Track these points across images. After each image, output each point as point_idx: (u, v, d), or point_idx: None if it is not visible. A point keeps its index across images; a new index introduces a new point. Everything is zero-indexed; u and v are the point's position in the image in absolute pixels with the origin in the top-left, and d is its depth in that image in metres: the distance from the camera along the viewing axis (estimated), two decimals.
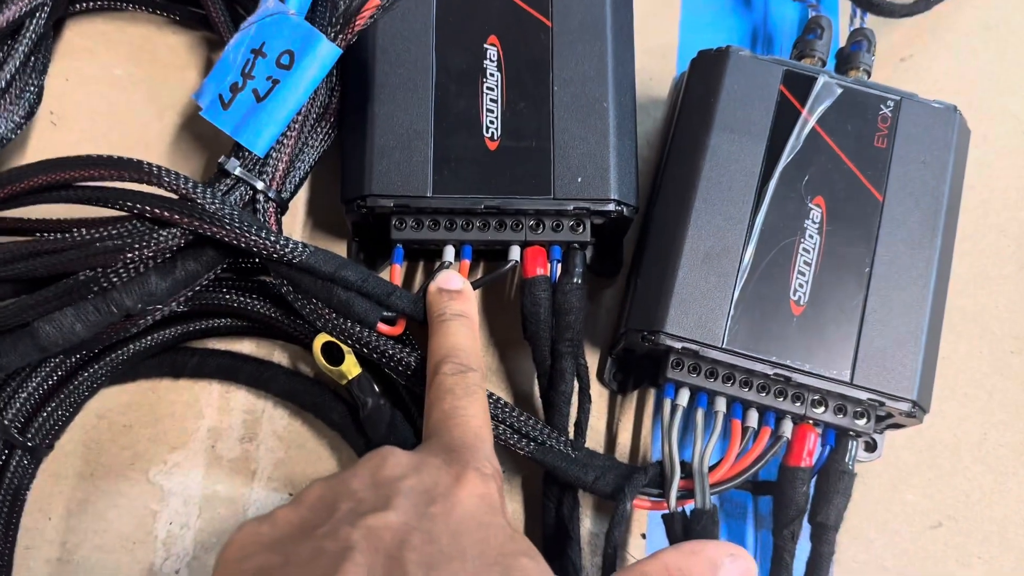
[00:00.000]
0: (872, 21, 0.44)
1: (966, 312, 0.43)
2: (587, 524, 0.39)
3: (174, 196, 0.34)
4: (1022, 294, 0.43)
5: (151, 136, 0.43)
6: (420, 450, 0.29)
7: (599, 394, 0.41)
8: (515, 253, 0.39)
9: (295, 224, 0.42)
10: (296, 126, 0.37)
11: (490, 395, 0.36)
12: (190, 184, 0.34)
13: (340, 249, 0.42)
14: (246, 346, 0.40)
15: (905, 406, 0.35)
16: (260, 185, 0.37)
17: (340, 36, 0.37)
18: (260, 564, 0.26)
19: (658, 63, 0.45)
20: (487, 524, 0.26)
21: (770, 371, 0.35)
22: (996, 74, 0.47)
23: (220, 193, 0.36)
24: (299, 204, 0.42)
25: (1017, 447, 0.41)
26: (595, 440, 0.41)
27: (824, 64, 0.41)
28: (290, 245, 0.34)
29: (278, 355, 0.41)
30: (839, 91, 0.39)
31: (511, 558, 0.25)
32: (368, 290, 0.35)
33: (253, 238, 0.34)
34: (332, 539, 0.25)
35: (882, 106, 0.39)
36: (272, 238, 0.34)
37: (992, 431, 0.41)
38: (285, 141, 0.37)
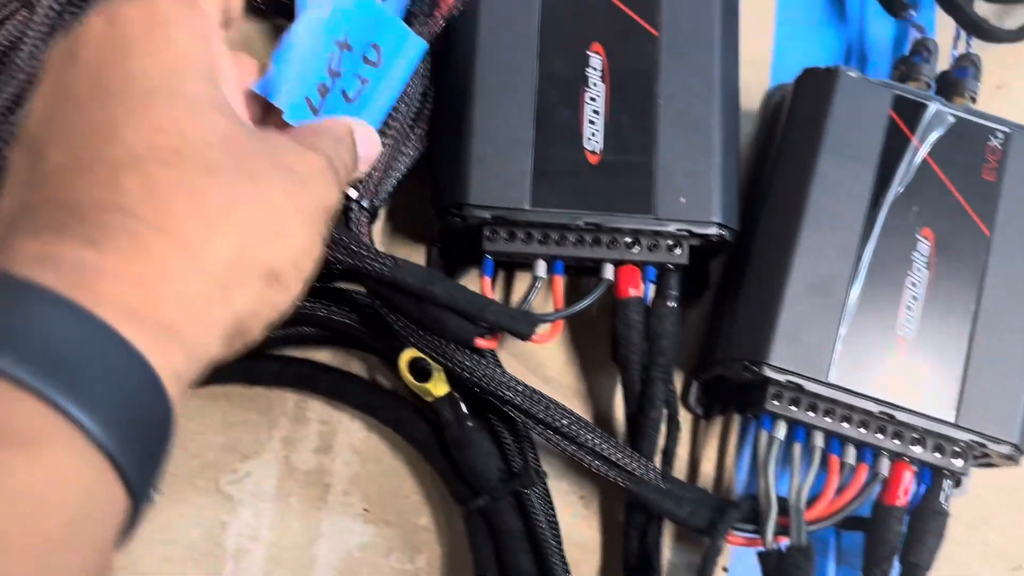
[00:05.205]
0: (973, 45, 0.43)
1: None
2: (666, 554, 0.38)
3: None
4: None
5: None
6: None
7: (682, 418, 0.40)
8: (608, 272, 0.37)
9: (374, 228, 0.40)
10: (391, 132, 0.35)
11: (582, 419, 0.35)
12: None
13: (419, 254, 0.40)
14: (323, 355, 0.39)
15: (1006, 449, 0.35)
16: (354, 194, 0.35)
17: (425, 28, 0.35)
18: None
19: (751, 74, 0.44)
20: None
21: (875, 408, 0.35)
22: None
23: None
24: None
25: None
26: (678, 467, 0.40)
27: (930, 88, 0.40)
28: (379, 260, 0.33)
29: (355, 365, 0.39)
30: (951, 120, 0.37)
31: None
32: (460, 305, 0.34)
33: (344, 252, 0.33)
34: None
35: (991, 137, 0.37)
36: (364, 252, 0.33)
37: None
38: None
